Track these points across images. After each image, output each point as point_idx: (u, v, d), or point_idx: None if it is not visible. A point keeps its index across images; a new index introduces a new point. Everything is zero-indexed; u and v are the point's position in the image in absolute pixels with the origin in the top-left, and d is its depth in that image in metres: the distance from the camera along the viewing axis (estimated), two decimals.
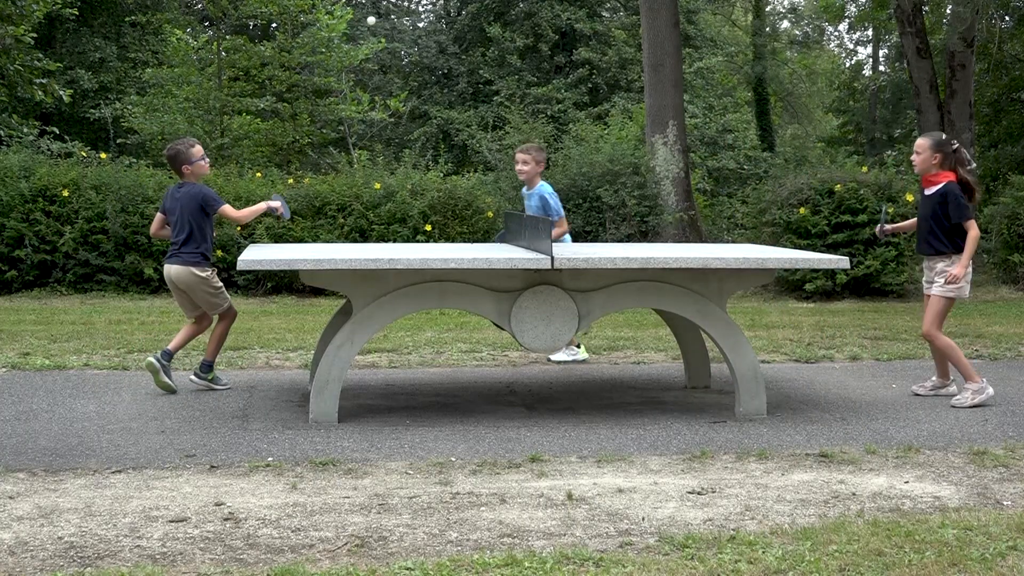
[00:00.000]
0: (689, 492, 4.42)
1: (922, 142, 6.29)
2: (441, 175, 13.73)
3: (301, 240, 12.37)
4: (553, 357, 7.69)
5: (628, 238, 14.06)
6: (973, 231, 6.10)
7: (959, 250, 6.18)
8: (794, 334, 9.29)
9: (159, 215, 6.69)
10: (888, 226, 6.68)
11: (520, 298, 5.71)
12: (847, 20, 28.51)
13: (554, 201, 7.54)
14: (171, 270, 6.49)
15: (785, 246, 12.17)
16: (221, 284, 6.59)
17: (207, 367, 6.53)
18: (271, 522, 3.95)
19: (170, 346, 6.48)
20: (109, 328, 9.29)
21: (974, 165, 6.47)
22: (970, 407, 6.18)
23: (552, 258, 5.46)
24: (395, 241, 12.43)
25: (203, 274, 6.44)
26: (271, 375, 7.20)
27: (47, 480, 4.50)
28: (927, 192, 6.29)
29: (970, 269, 6.23)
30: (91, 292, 12.26)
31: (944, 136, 6.37)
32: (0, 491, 4.31)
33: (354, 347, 5.65)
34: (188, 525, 3.91)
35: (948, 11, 19.83)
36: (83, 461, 4.81)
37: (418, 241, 12.47)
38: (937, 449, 5.22)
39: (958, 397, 6.32)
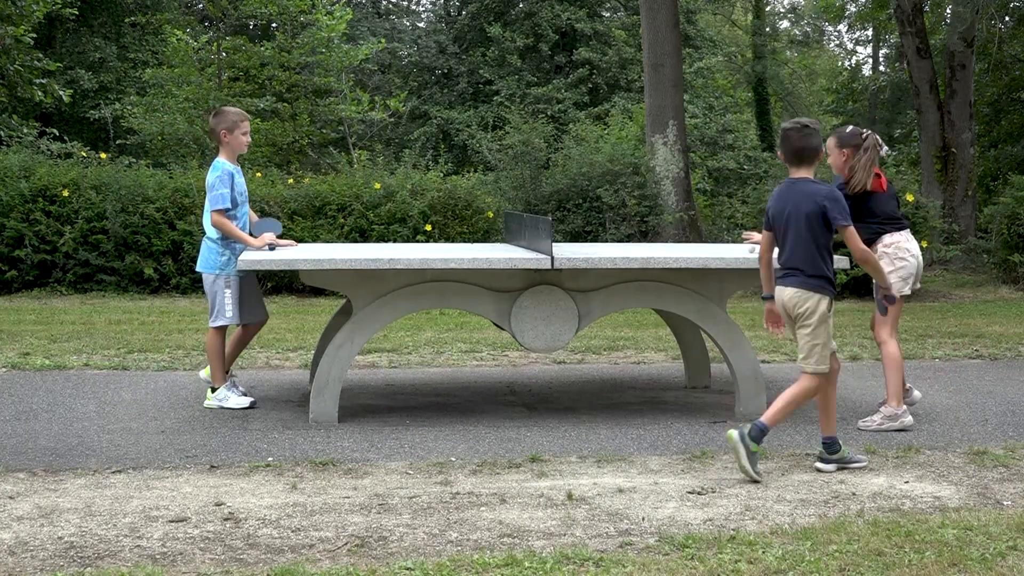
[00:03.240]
0: (689, 492, 4.42)
1: (828, 143, 5.71)
2: (441, 175, 13.74)
3: (301, 240, 12.37)
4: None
5: (628, 238, 14.07)
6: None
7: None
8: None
9: None
10: None
11: (520, 298, 5.71)
12: (847, 20, 28.52)
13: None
14: None
15: None
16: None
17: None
18: (271, 522, 3.95)
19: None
20: (109, 328, 9.29)
21: (886, 149, 5.83)
22: (874, 431, 5.61)
23: (552, 258, 5.46)
24: (395, 241, 12.43)
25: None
26: (271, 375, 7.20)
27: (47, 480, 4.50)
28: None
29: (904, 265, 5.67)
30: (91, 292, 12.26)
31: (849, 129, 5.78)
32: (0, 491, 4.31)
33: (354, 347, 5.65)
34: (188, 525, 3.91)
35: (948, 11, 19.83)
36: (83, 461, 4.81)
37: (418, 241, 12.48)
38: (937, 449, 5.22)
39: (868, 418, 5.75)
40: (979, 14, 16.97)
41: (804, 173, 4.80)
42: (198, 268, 6.15)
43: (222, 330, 6.05)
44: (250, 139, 6.20)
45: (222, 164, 6.02)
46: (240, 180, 6.11)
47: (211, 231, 6.04)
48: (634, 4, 25.78)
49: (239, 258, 5.62)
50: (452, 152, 23.18)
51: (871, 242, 5.67)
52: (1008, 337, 9.27)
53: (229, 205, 5.94)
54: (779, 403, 4.73)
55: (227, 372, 6.20)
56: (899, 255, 5.72)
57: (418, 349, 8.30)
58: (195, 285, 12.34)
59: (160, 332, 9.07)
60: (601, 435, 5.46)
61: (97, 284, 12.39)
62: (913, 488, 4.52)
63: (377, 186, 12.96)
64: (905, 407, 5.76)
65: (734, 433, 4.61)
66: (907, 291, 5.75)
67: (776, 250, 4.92)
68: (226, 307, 5.99)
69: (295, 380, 6.98)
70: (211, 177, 5.98)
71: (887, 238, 5.75)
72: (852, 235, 4.76)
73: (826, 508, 4.22)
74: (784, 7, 36.21)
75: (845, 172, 5.72)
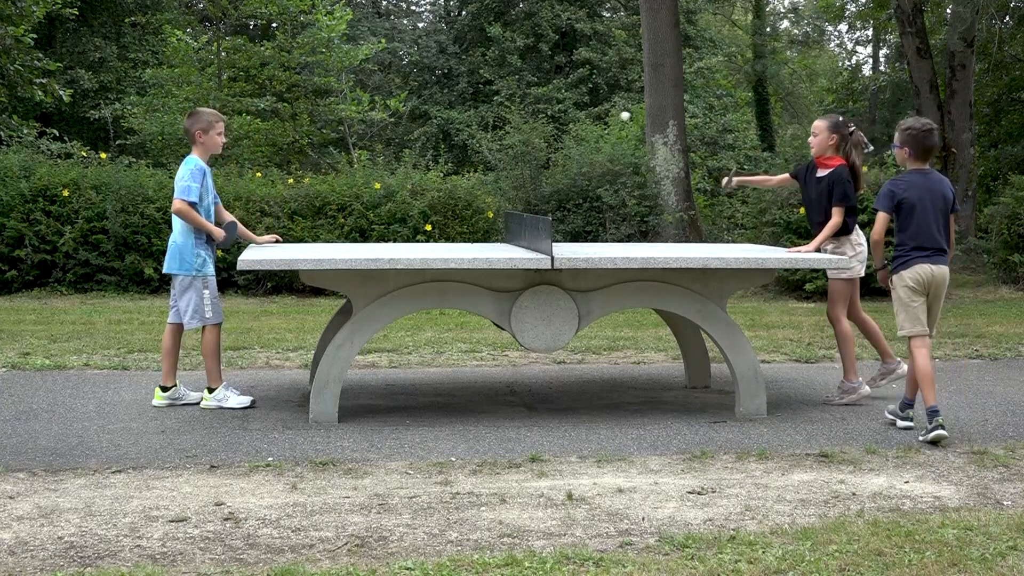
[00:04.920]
0: (689, 492, 4.42)
1: (819, 124, 6.31)
2: (441, 175, 13.74)
3: (301, 240, 12.37)
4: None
5: (628, 238, 14.07)
6: (836, 218, 6.13)
7: (846, 231, 6.21)
8: (794, 334, 9.29)
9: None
10: (736, 178, 6.70)
11: (520, 298, 5.71)
12: (847, 20, 28.51)
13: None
14: None
15: (785, 246, 12.16)
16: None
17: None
18: (271, 522, 3.95)
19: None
20: (109, 328, 9.29)
21: (871, 148, 6.51)
22: (839, 404, 6.30)
23: (552, 258, 5.46)
24: (395, 241, 12.43)
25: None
26: (271, 375, 7.20)
27: (47, 480, 4.50)
28: (818, 174, 6.30)
29: (862, 249, 6.27)
30: (91, 292, 12.26)
31: (841, 118, 6.36)
32: (0, 491, 4.31)
33: (354, 347, 5.65)
34: (188, 525, 3.91)
35: (948, 11, 19.83)
36: (83, 461, 4.81)
37: (418, 241, 12.48)
38: (937, 449, 5.22)
39: (832, 395, 6.41)
40: (979, 14, 16.98)
41: (928, 165, 5.55)
42: (168, 269, 6.06)
43: (216, 329, 6.05)
44: (224, 139, 6.22)
45: (195, 160, 6.08)
46: (209, 181, 6.15)
47: (178, 233, 6.02)
48: (634, 4, 25.78)
49: (239, 259, 5.61)
50: (452, 152, 23.18)
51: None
52: (1008, 337, 9.27)
53: (196, 199, 5.95)
54: (918, 382, 5.40)
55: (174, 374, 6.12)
56: (859, 240, 6.31)
57: (418, 349, 8.30)
58: None
59: (160, 332, 9.03)
60: (601, 435, 5.46)
61: (97, 284, 12.39)
62: (913, 488, 4.52)
63: (377, 186, 12.96)
64: (861, 379, 6.36)
65: (942, 432, 5.21)
66: (861, 273, 6.36)
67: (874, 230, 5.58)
68: (205, 307, 6.00)
69: (295, 380, 6.97)
70: (183, 171, 6.03)
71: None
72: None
73: (826, 508, 4.22)
74: (784, 7, 36.21)
75: (827, 153, 6.28)
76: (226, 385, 6.08)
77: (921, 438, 5.34)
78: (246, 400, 6.03)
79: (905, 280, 5.46)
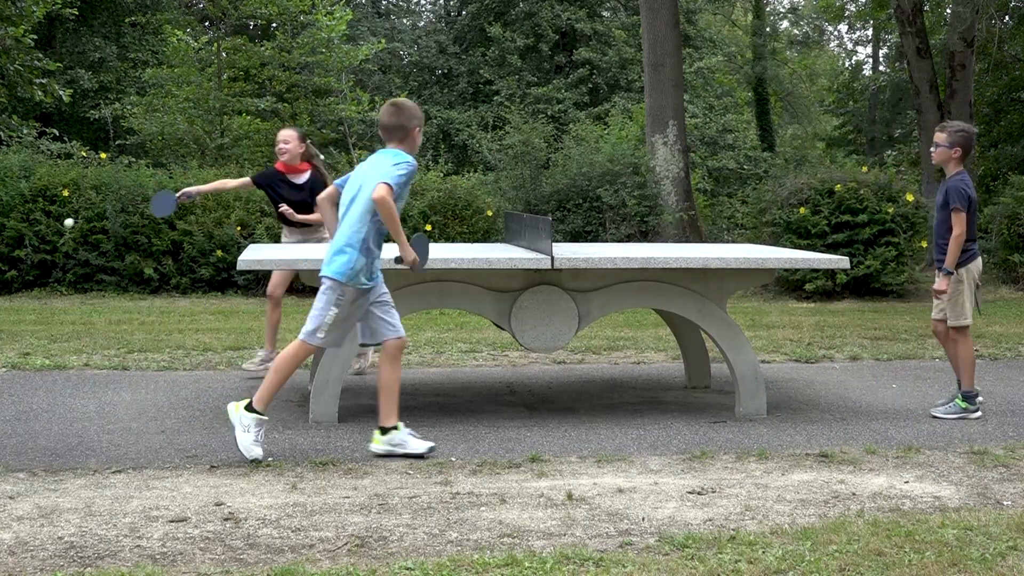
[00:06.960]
0: (689, 492, 4.42)
1: (292, 133, 7.12)
2: (441, 175, 13.74)
3: None
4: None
5: (628, 238, 14.07)
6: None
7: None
8: (794, 334, 9.29)
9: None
10: (192, 189, 7.03)
11: (520, 298, 5.71)
12: (847, 20, 28.51)
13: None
14: None
15: (785, 246, 12.17)
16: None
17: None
18: (271, 522, 3.95)
19: None
20: (109, 328, 9.29)
21: (322, 156, 7.37)
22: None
23: (552, 258, 5.46)
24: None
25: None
26: None
27: (47, 480, 4.50)
28: (298, 180, 7.13)
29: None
30: (91, 292, 12.26)
31: (303, 128, 7.40)
32: (0, 491, 4.31)
33: (354, 347, 5.64)
34: (188, 525, 3.91)
35: (948, 11, 19.83)
36: (83, 461, 4.81)
37: None
38: (937, 449, 5.22)
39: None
40: (979, 14, 16.97)
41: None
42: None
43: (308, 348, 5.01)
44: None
45: (408, 156, 4.95)
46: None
47: (351, 233, 4.92)
48: (634, 4, 25.78)
49: (239, 259, 5.59)
50: (452, 152, 23.18)
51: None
52: (1008, 337, 9.27)
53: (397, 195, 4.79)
54: (968, 367, 6.03)
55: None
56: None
57: (418, 349, 8.30)
58: (195, 285, 12.36)
59: (160, 332, 9.06)
60: (601, 435, 5.46)
61: (97, 284, 12.39)
62: (913, 488, 4.52)
63: None
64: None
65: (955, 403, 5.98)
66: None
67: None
68: (323, 323, 4.92)
69: (295, 380, 6.96)
70: (393, 160, 4.88)
71: None
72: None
73: (826, 508, 4.22)
74: (784, 7, 36.19)
75: (297, 162, 7.08)
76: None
77: (954, 416, 5.96)
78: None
79: (972, 273, 5.99)
